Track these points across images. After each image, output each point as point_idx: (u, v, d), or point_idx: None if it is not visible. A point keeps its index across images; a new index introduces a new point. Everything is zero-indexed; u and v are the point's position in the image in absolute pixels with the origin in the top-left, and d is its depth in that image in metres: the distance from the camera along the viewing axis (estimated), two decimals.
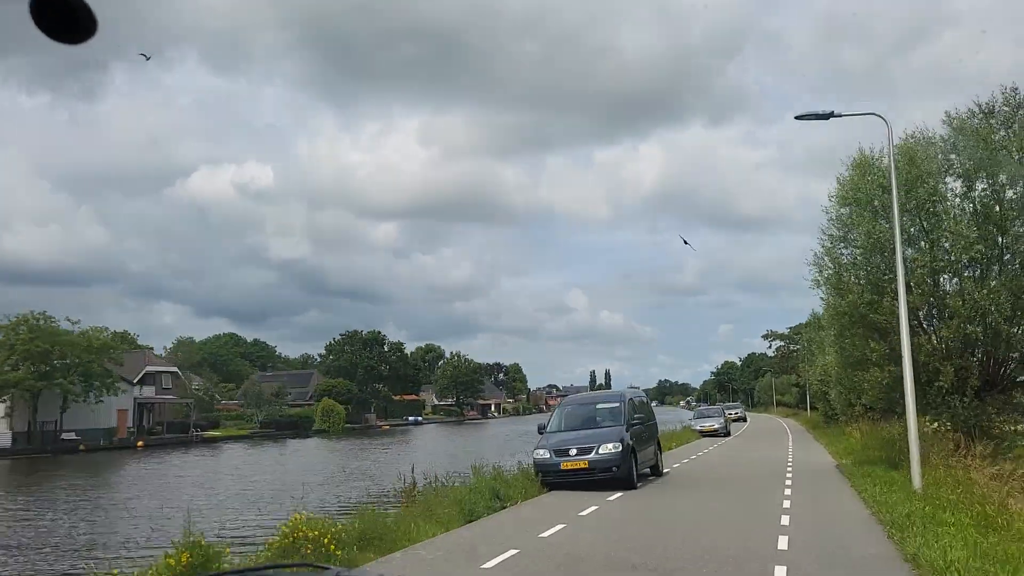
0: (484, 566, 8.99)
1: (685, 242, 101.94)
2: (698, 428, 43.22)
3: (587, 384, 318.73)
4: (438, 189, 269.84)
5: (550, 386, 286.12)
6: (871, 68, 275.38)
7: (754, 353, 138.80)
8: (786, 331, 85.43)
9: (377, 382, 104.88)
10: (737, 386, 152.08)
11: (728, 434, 43.55)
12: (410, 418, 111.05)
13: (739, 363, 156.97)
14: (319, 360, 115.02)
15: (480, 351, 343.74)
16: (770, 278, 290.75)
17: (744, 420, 71.09)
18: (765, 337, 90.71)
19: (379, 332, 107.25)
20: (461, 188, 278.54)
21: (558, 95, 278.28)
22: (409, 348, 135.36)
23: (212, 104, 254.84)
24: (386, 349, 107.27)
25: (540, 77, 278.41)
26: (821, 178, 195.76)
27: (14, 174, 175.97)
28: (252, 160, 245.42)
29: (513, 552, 9.69)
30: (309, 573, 1.84)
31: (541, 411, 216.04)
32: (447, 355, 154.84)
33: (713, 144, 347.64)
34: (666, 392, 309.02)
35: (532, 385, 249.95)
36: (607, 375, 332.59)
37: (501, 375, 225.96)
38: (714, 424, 43.22)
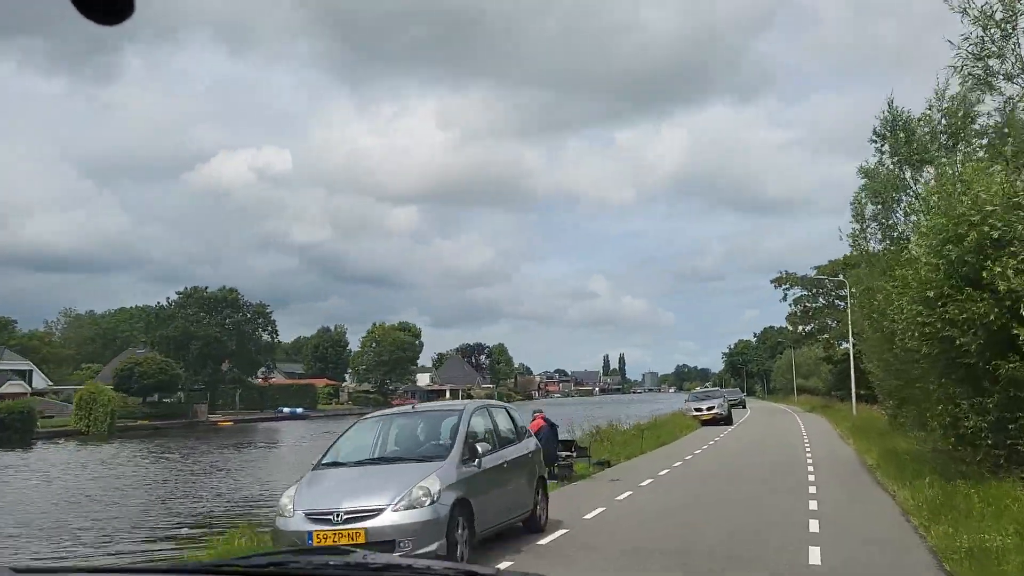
0: None
1: None
2: None
3: (600, 370, 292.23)
4: (457, 173, 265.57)
5: (557, 370, 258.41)
6: (906, 44, 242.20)
7: (771, 327, 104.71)
8: (811, 272, 50.98)
9: (223, 358, 73.06)
10: (753, 368, 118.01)
11: (537, 528, 10.58)
12: (284, 409, 79.51)
13: (754, 341, 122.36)
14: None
15: (500, 337, 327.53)
16: (795, 263, 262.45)
17: (728, 423, 38.51)
18: (776, 282, 55.29)
19: (233, 291, 75.06)
20: (480, 171, 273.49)
21: (578, 74, 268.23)
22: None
23: (229, 88, 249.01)
24: (243, 315, 75.15)
25: (559, 56, 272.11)
26: (847, 159, 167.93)
27: (34, 160, 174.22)
28: (270, 145, 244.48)
29: None
30: (336, 557, 2.00)
31: (531, 398, 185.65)
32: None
33: (737, 124, 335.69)
34: (684, 378, 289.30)
35: (538, 369, 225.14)
36: (621, 360, 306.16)
37: (483, 356, 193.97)
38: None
